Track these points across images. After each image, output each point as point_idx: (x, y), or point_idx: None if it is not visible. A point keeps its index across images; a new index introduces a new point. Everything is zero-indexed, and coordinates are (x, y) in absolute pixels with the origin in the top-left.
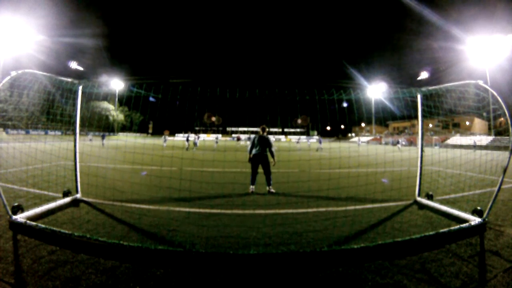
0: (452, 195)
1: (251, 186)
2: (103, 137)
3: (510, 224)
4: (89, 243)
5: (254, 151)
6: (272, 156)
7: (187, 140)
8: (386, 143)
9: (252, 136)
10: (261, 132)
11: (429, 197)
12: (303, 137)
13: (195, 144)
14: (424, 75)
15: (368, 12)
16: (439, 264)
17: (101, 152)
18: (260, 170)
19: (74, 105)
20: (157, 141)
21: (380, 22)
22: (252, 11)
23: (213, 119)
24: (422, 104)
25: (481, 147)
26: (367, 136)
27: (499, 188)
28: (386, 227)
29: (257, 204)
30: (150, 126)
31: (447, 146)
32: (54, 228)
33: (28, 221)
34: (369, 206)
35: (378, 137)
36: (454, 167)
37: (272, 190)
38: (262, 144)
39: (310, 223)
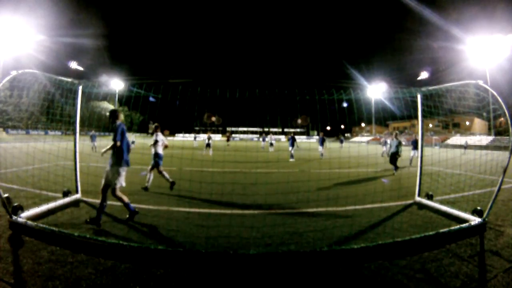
0: (452, 195)
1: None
2: (93, 137)
3: (510, 224)
4: (89, 243)
5: (393, 149)
6: (400, 151)
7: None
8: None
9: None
10: (394, 138)
11: (429, 197)
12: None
13: (208, 145)
14: (424, 75)
15: (368, 12)
16: (439, 264)
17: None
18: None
19: (74, 105)
20: None
21: (380, 22)
22: (252, 11)
23: (213, 119)
24: (422, 104)
25: (481, 147)
26: (367, 136)
27: (499, 188)
28: (386, 227)
29: (257, 204)
30: (150, 126)
31: (447, 146)
32: (54, 228)
33: (28, 221)
34: (369, 206)
35: (378, 137)
36: (454, 167)
37: (395, 173)
38: (397, 145)
39: (310, 223)
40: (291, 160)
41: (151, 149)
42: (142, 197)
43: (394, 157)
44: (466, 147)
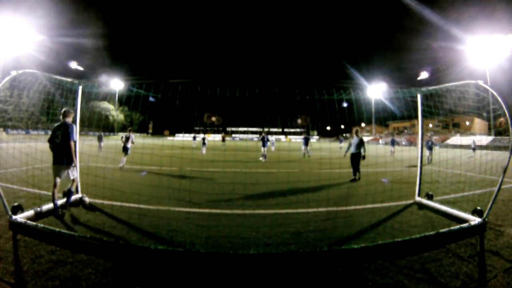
0: (452, 195)
1: (353, 176)
2: (99, 138)
3: (510, 224)
4: (89, 243)
5: (353, 150)
6: (364, 151)
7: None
8: (386, 143)
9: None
10: (354, 135)
11: (429, 197)
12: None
13: (204, 144)
14: (424, 75)
15: (368, 12)
16: (439, 264)
17: (101, 152)
18: None
19: (74, 105)
20: (157, 141)
21: (380, 22)
22: (252, 11)
23: (213, 119)
24: (422, 104)
25: (481, 147)
26: (367, 135)
27: (499, 188)
28: (386, 227)
29: (257, 204)
30: (150, 126)
31: (447, 146)
32: (54, 228)
33: (28, 221)
34: (369, 206)
35: (378, 137)
36: (454, 167)
37: (356, 178)
38: (359, 144)
39: (310, 223)
40: (260, 159)
41: (123, 142)
42: (142, 197)
43: (355, 158)
44: (474, 148)
